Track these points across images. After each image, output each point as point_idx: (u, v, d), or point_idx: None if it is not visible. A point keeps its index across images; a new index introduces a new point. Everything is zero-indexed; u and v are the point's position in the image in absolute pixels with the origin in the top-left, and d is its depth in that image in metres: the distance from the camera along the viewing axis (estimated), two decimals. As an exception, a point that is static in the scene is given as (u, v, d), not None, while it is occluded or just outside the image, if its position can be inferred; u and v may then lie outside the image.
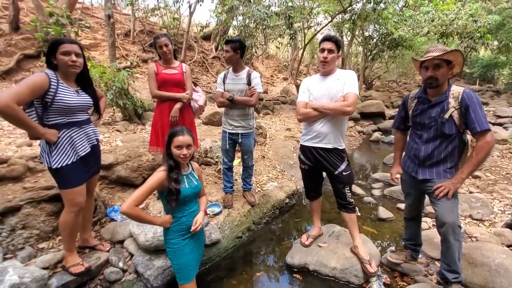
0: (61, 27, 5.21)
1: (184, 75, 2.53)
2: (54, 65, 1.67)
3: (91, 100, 1.85)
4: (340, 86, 1.97)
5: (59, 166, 1.64)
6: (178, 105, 2.43)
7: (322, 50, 1.98)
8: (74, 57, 1.65)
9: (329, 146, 2.05)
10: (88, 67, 1.93)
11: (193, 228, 1.53)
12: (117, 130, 4.45)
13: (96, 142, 1.90)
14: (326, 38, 2.00)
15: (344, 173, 2.07)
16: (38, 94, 1.56)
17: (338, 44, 2.00)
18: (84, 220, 2.02)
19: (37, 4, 6.09)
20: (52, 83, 1.60)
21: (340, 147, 2.08)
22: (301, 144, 2.22)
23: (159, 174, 1.48)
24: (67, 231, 1.80)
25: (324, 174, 2.30)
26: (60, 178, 1.71)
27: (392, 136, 6.34)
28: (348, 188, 2.12)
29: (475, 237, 2.46)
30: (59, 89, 1.62)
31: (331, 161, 2.07)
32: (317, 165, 2.15)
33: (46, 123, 1.63)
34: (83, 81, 1.81)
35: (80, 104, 1.74)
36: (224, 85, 2.63)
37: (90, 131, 1.86)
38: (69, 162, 1.68)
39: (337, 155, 2.07)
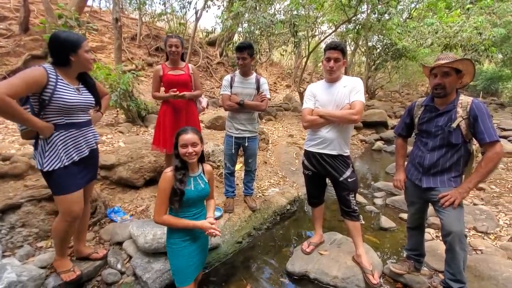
0: (69, 29, 5.30)
1: (191, 76, 2.55)
2: (68, 62, 1.56)
3: (93, 99, 1.73)
4: (346, 93, 1.96)
5: (50, 169, 1.53)
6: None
7: (328, 59, 1.96)
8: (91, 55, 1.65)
9: (334, 152, 2.03)
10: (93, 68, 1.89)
11: (211, 232, 1.53)
12: (120, 132, 4.46)
13: (95, 146, 1.78)
14: (332, 47, 1.95)
15: (349, 180, 2.04)
16: (34, 90, 1.45)
17: (343, 51, 1.97)
18: (78, 229, 1.90)
19: (47, 6, 6.20)
20: (51, 78, 1.48)
21: (345, 154, 2.06)
22: (305, 150, 2.21)
23: (166, 175, 1.48)
24: (59, 238, 1.72)
25: (328, 181, 2.28)
26: (52, 183, 1.60)
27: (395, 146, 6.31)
28: (353, 195, 2.09)
29: (480, 250, 2.40)
30: (58, 86, 1.51)
31: (336, 167, 2.05)
32: (321, 171, 2.12)
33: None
34: (84, 77, 1.71)
35: (81, 103, 1.62)
36: (231, 88, 2.61)
37: (90, 134, 1.75)
38: (61, 166, 1.56)
39: (342, 161, 2.05)
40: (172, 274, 1.58)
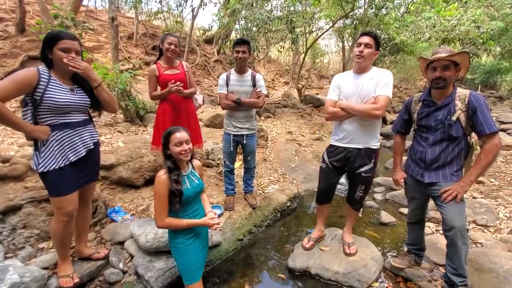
0: (65, 29, 5.27)
1: (186, 74, 2.55)
2: (49, 60, 1.53)
3: (88, 99, 1.69)
4: (372, 86, 1.88)
5: (45, 170, 1.53)
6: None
7: (359, 45, 1.88)
8: (74, 55, 1.52)
9: (360, 146, 1.99)
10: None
11: (214, 227, 1.56)
12: (119, 131, 4.45)
13: (92, 146, 1.73)
14: (365, 33, 1.89)
15: (363, 174, 2.04)
16: (26, 90, 1.44)
17: (377, 40, 1.88)
18: (78, 230, 1.92)
19: (43, 7, 6.15)
20: (42, 79, 1.48)
21: (373, 147, 2.01)
22: (330, 144, 2.16)
23: (161, 179, 1.46)
24: (57, 240, 1.72)
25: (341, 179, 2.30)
26: (47, 184, 1.60)
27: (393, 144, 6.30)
28: (362, 189, 2.11)
29: (480, 243, 2.42)
30: (49, 86, 1.50)
31: (356, 160, 2.02)
32: (343, 164, 2.09)
33: (41, 124, 1.53)
34: (80, 78, 1.66)
35: (73, 103, 1.60)
36: (227, 86, 2.61)
37: (86, 134, 1.70)
38: (56, 167, 1.54)
39: (365, 156, 2.01)
40: (180, 273, 1.60)
